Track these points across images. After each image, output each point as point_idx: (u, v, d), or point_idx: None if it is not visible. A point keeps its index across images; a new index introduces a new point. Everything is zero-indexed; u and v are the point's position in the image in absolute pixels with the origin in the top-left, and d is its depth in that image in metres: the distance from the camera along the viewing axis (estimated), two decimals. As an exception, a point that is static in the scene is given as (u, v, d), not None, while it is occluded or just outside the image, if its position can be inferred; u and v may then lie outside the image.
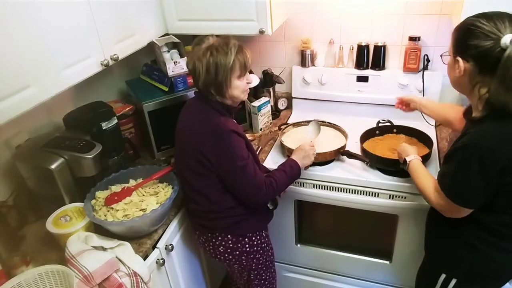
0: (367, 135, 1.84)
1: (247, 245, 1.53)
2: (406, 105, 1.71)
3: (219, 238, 1.51)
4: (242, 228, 1.50)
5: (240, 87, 1.38)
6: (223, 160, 1.36)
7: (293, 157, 1.57)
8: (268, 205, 1.59)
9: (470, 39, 1.08)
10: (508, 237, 1.21)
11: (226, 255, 1.55)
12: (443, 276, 1.31)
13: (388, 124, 1.90)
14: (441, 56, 1.24)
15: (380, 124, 1.93)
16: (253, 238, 1.54)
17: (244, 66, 1.36)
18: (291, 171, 1.51)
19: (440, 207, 1.24)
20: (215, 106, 1.39)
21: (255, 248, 1.56)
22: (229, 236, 1.50)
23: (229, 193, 1.44)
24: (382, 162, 1.67)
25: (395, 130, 1.89)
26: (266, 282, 1.71)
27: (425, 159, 1.62)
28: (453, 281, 1.29)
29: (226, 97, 1.38)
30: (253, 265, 1.61)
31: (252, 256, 1.57)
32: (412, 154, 1.44)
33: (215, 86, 1.34)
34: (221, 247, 1.53)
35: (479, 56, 1.07)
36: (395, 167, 1.58)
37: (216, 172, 1.39)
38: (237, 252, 1.54)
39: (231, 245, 1.52)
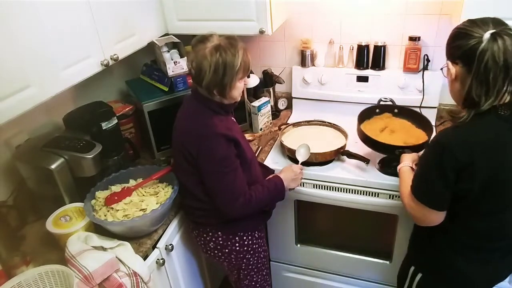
0: (366, 113, 1.80)
1: (237, 244, 1.53)
2: None
3: (210, 233, 1.52)
4: (234, 226, 1.49)
5: (239, 88, 1.39)
6: (205, 161, 1.35)
7: (281, 175, 1.54)
8: None
9: (455, 41, 1.12)
10: (480, 250, 1.23)
11: (216, 251, 1.55)
12: (412, 268, 1.39)
13: (390, 103, 1.86)
14: (441, 69, 1.24)
15: (381, 103, 1.88)
16: (244, 238, 1.53)
17: (248, 69, 1.37)
18: (275, 189, 1.48)
19: (412, 211, 1.25)
20: (210, 106, 1.38)
21: (245, 248, 1.55)
22: (219, 233, 1.50)
23: None
24: (376, 145, 1.63)
25: (396, 110, 1.84)
26: (257, 285, 1.70)
27: (423, 148, 1.59)
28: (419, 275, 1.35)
29: (226, 98, 1.38)
30: (243, 265, 1.61)
31: (241, 255, 1.56)
32: (405, 161, 1.45)
33: (219, 86, 1.32)
34: (211, 243, 1.53)
35: (464, 56, 1.09)
36: (386, 153, 1.62)
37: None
38: (227, 250, 1.53)
39: (221, 242, 1.52)
